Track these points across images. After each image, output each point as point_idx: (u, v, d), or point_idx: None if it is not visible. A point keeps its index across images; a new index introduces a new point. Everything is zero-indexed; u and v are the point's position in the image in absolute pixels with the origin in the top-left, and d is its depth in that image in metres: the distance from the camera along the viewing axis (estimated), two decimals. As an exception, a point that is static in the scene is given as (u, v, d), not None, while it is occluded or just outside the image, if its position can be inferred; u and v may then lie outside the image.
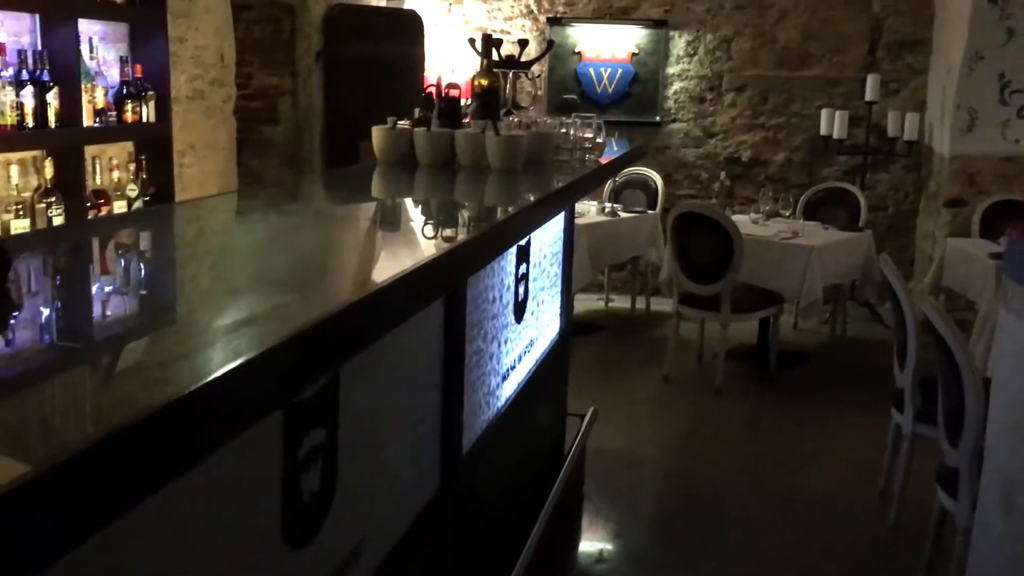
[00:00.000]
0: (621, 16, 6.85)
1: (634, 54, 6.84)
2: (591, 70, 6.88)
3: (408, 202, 2.47)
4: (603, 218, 5.85)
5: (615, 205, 6.07)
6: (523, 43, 3.46)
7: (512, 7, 7.00)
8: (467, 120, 2.89)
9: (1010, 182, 6.12)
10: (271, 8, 5.69)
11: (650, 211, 6.28)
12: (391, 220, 2.18)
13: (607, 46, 6.85)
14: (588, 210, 5.88)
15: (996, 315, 4.72)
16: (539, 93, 4.63)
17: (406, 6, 6.77)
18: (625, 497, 3.91)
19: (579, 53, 6.88)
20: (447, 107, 2.82)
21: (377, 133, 2.74)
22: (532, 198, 2.33)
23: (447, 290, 2.01)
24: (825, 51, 6.71)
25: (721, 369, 4.98)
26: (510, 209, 2.18)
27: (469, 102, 3.10)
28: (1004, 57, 5.70)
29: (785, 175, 6.89)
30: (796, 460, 4.28)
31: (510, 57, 3.45)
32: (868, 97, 6.44)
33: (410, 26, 6.50)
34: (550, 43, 4.03)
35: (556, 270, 3.46)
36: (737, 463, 4.26)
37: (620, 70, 6.86)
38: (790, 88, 6.79)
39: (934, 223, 6.43)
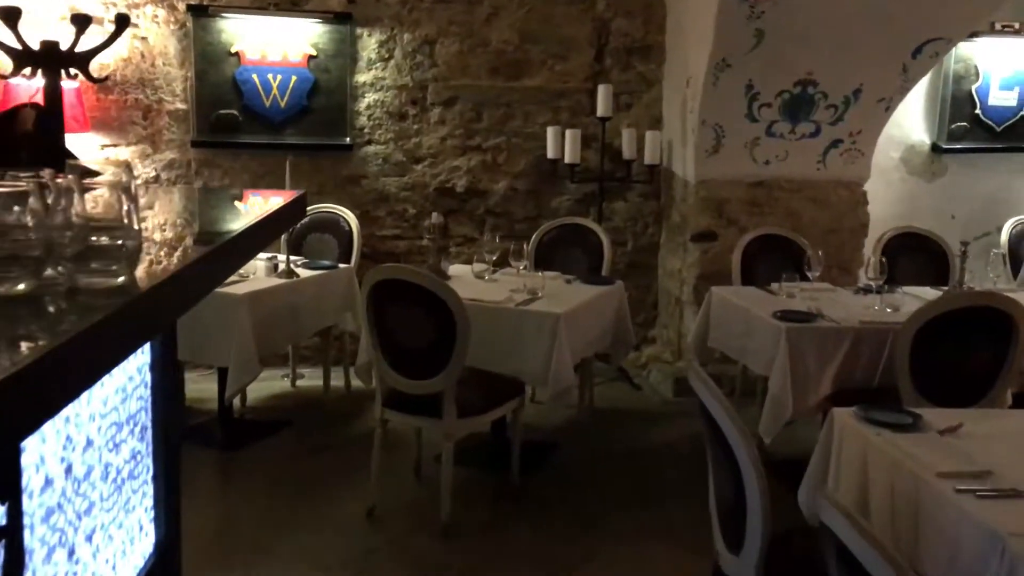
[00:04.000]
0: (290, 7, 5.25)
1: (312, 56, 5.27)
2: (255, 76, 5.21)
3: None
4: (276, 281, 4.22)
5: (294, 260, 4.46)
6: (81, 20, 1.81)
7: (141, -9, 5.16)
8: None
9: (760, 210, 5.26)
10: None
11: (342, 265, 4.73)
12: None
13: (275, 45, 5.22)
14: (255, 270, 4.23)
15: (787, 394, 3.69)
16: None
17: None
18: None
19: (237, 54, 5.19)
20: None
21: None
22: None
23: None
24: (547, 56, 5.53)
25: (448, 494, 3.53)
26: None
27: None
28: (751, 64, 4.79)
29: (509, 207, 5.63)
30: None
31: (51, 47, 1.81)
32: (600, 112, 5.34)
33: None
34: (120, 20, 2.34)
35: (139, 447, 1.83)
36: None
37: (295, 77, 5.26)
38: (508, 101, 5.54)
39: (680, 260, 5.45)
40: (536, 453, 4.20)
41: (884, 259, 3.94)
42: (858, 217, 5.32)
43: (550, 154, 5.39)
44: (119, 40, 5.07)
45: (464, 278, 4.29)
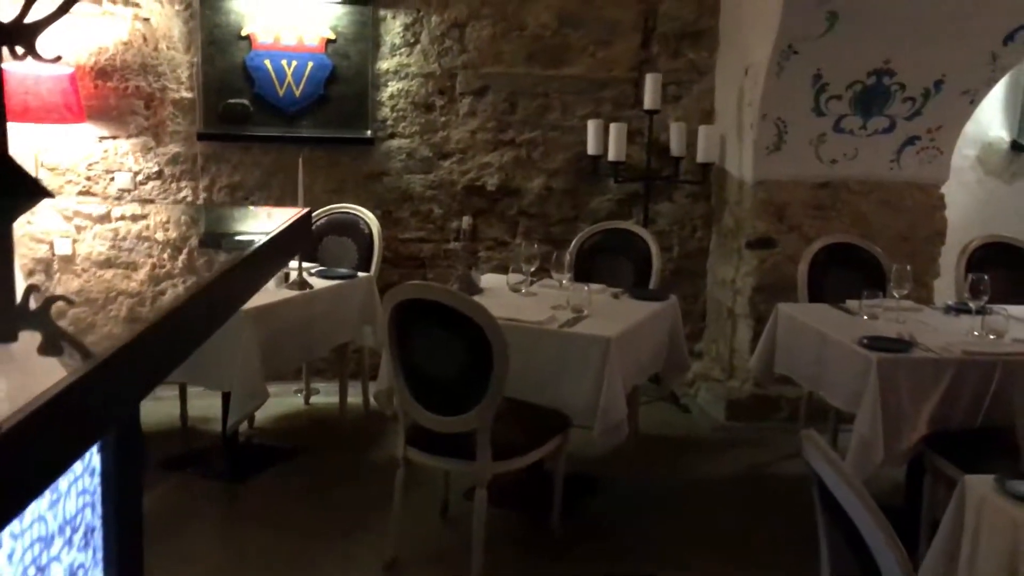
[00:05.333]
0: (308, -15, 4.76)
1: (330, 41, 4.78)
2: (268, 63, 4.73)
3: None
4: (287, 293, 3.74)
5: (307, 268, 3.98)
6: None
7: (143, -32, 4.69)
8: None
9: (825, 215, 4.73)
10: None
11: (361, 273, 4.25)
12: None
13: (290, 28, 4.73)
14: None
15: (878, 436, 3.18)
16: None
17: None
18: None
19: (248, 38, 4.70)
20: None
21: None
22: None
23: None
24: (588, 42, 5.01)
25: (480, 546, 3.05)
26: None
27: None
28: (822, 51, 4.25)
29: (544, 208, 5.13)
30: None
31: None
32: (647, 105, 4.81)
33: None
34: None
35: (81, 559, 1.36)
36: None
37: (311, 63, 4.77)
38: (546, 91, 5.03)
39: (733, 268, 4.93)
40: (577, 489, 3.71)
41: (985, 276, 3.40)
42: (934, 224, 4.78)
43: (590, 150, 4.88)
44: (119, 23, 4.61)
45: (498, 291, 3.80)
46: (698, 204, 5.22)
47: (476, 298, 3.57)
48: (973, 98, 4.51)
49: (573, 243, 4.47)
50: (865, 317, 3.55)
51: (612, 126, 4.79)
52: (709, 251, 5.28)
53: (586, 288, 3.70)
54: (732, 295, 4.96)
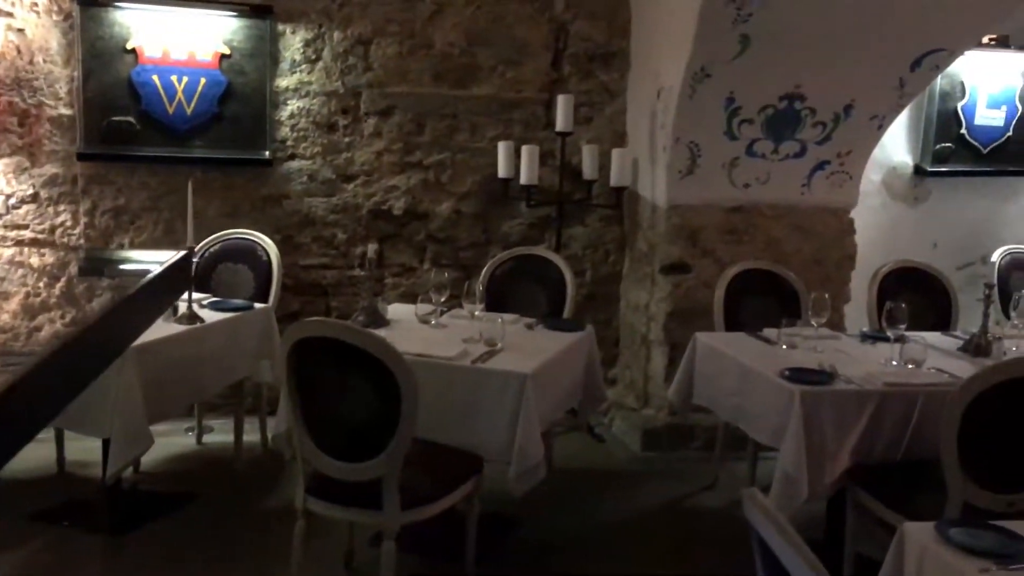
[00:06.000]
0: (200, -4, 4.47)
1: (224, 56, 4.50)
2: (156, 78, 4.41)
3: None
4: (175, 328, 3.44)
5: (198, 300, 3.69)
6: None
7: (17, -26, 4.33)
8: None
9: (738, 239, 4.67)
10: None
11: (258, 305, 3.97)
12: None
13: (181, 42, 4.43)
14: (148, 313, 3.44)
15: (803, 471, 3.08)
16: None
17: None
18: None
19: (135, 51, 4.38)
20: None
21: None
22: None
23: None
24: (498, 62, 4.86)
25: (388, 604, 2.81)
26: None
27: None
28: (734, 75, 4.19)
29: (453, 233, 4.93)
30: None
31: None
32: (559, 127, 4.68)
33: None
34: None
35: None
36: None
37: (204, 79, 4.47)
38: (454, 112, 4.85)
39: (647, 293, 4.83)
40: (493, 529, 3.51)
41: (903, 305, 3.36)
42: (845, 248, 4.77)
43: (501, 173, 4.72)
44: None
45: (406, 323, 3.59)
46: (611, 228, 5.12)
47: (382, 331, 3.38)
48: (881, 123, 4.52)
49: (484, 270, 4.29)
50: (784, 346, 3.47)
51: (523, 148, 4.64)
52: (622, 276, 5.17)
53: (499, 319, 3.52)
54: (646, 321, 4.85)
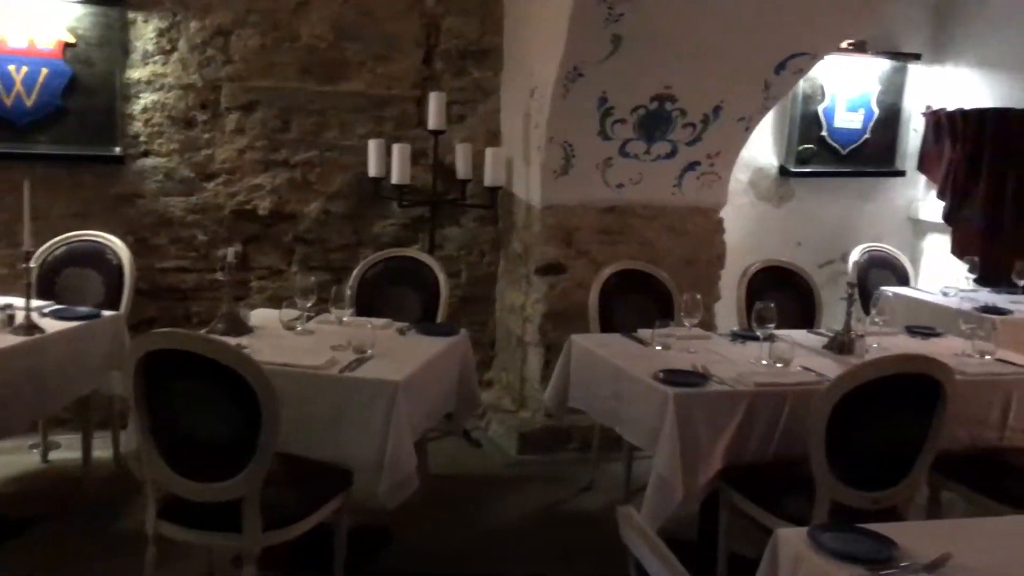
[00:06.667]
0: (39, -21, 4.14)
1: (69, 44, 4.18)
2: (-10, 67, 4.06)
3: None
4: (12, 339, 3.14)
5: (39, 308, 3.39)
6: None
7: None
8: None
9: (612, 239, 4.67)
10: None
11: (107, 312, 3.68)
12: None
13: (18, 29, 4.09)
14: (-19, 324, 3.14)
15: (677, 474, 3.06)
16: None
17: None
18: None
19: (-35, 37, 4.03)
20: None
21: None
22: None
23: None
24: (367, 57, 4.70)
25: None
26: None
27: None
28: (607, 75, 4.18)
29: (323, 234, 4.75)
30: None
31: None
32: (432, 125, 4.57)
33: None
34: None
35: None
36: None
37: (45, 69, 4.14)
38: (322, 108, 4.66)
39: (523, 295, 4.78)
40: (363, 542, 3.37)
41: (771, 305, 3.40)
42: (715, 247, 4.85)
43: (372, 172, 4.57)
44: None
45: (270, 330, 3.40)
46: (486, 228, 5.04)
47: (244, 339, 3.19)
48: (748, 125, 4.60)
49: (355, 273, 4.13)
50: (658, 347, 3.46)
51: (395, 147, 4.50)
52: (498, 277, 5.10)
53: (369, 324, 3.38)
54: (522, 322, 4.80)
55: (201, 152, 4.49)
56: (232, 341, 3.06)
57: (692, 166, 4.66)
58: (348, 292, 3.55)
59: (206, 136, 4.50)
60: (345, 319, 3.45)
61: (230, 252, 3.25)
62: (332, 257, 4.76)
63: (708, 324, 4.48)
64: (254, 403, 2.50)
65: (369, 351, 3.13)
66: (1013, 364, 3.42)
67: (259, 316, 3.59)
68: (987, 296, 4.81)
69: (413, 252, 4.36)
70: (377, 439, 2.87)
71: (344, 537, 3.02)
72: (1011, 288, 4.82)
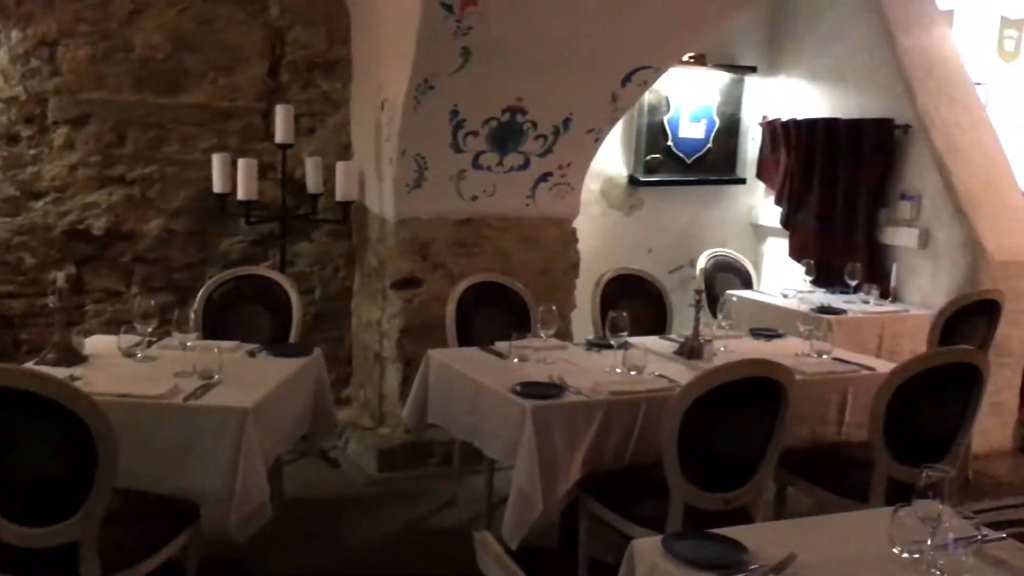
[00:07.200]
0: None
1: None
2: None
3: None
4: None
5: None
6: None
7: None
8: None
9: (468, 252, 4.66)
10: None
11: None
12: None
13: None
14: None
15: (536, 487, 3.07)
16: None
17: None
18: None
19: None
20: None
21: None
22: None
23: None
24: (208, 68, 4.53)
25: None
26: None
27: None
28: (457, 87, 4.17)
29: (165, 253, 4.54)
30: None
31: None
32: (279, 138, 4.44)
33: None
34: None
35: None
36: None
37: None
38: (160, 122, 4.46)
39: (379, 310, 4.71)
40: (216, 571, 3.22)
41: (624, 314, 3.47)
42: (569, 257, 4.91)
43: (217, 187, 4.40)
44: None
45: (107, 357, 3.21)
46: (340, 243, 4.94)
47: (78, 369, 3.00)
48: (598, 136, 4.68)
49: (200, 293, 3.95)
50: (516, 360, 3.47)
51: (240, 161, 4.35)
52: (353, 292, 5.01)
53: (216, 348, 3.23)
54: (379, 338, 4.72)
55: (27, 169, 4.21)
56: (63, 372, 2.88)
57: (544, 177, 4.71)
58: (193, 314, 3.39)
59: (32, 152, 4.22)
60: (190, 343, 3.29)
61: (60, 276, 3.04)
62: (176, 277, 4.55)
63: (565, 333, 4.54)
64: (87, 439, 2.34)
65: (216, 376, 3.00)
66: (848, 362, 3.61)
67: (95, 343, 3.38)
68: (823, 296, 5.08)
69: (263, 270, 4.22)
70: (226, 469, 2.75)
71: (194, 573, 2.87)
72: (844, 288, 5.10)
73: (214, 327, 3.78)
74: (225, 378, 3.00)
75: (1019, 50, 7.02)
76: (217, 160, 4.38)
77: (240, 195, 4.33)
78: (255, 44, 4.59)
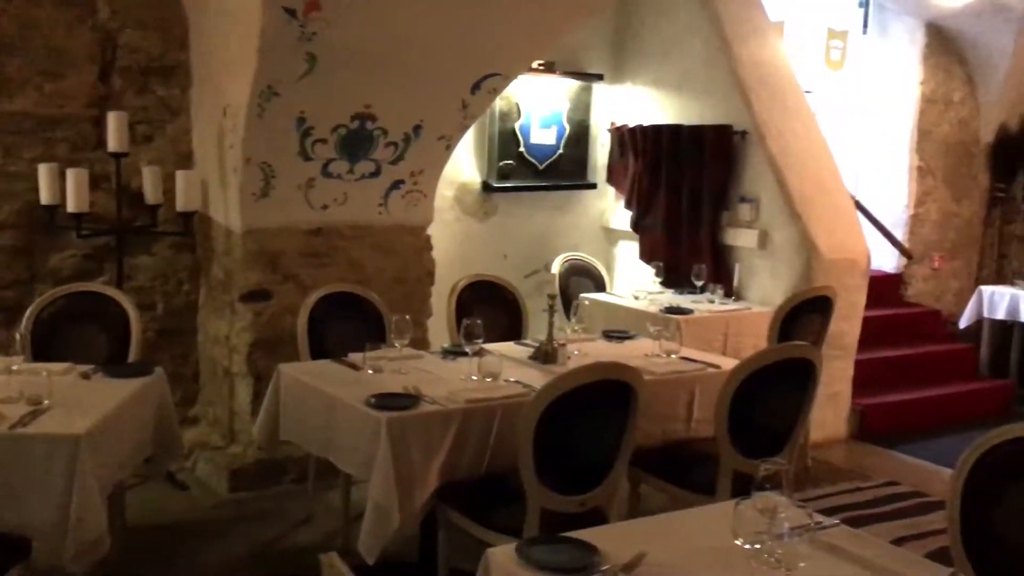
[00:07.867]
0: None
1: None
2: None
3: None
4: None
5: None
6: None
7: None
8: None
9: (320, 262, 4.57)
10: None
11: None
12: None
13: None
14: None
15: (393, 500, 3.01)
16: None
17: None
18: None
19: None
20: None
21: None
22: None
23: None
24: (33, 73, 4.25)
25: None
26: None
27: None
28: (304, 93, 4.07)
29: (-13, 270, 4.22)
30: None
31: None
32: (112, 147, 4.21)
33: None
34: None
35: None
36: None
37: None
38: (-20, 129, 4.15)
39: (227, 324, 4.54)
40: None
41: (479, 321, 3.47)
42: (424, 264, 4.88)
43: (44, 199, 4.13)
44: None
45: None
46: (183, 255, 4.73)
47: None
48: (449, 143, 4.67)
49: (27, 313, 3.69)
50: (370, 371, 3.40)
51: (69, 171, 4.10)
52: (199, 306, 4.81)
53: (46, 371, 3.02)
54: (228, 353, 4.55)
55: None
56: None
57: (396, 185, 4.66)
58: (19, 335, 3.17)
59: None
60: (16, 367, 3.06)
61: None
62: (1, 296, 4.24)
63: (421, 342, 4.50)
64: None
65: (46, 401, 2.81)
66: (695, 361, 3.73)
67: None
68: (672, 297, 5.25)
69: (97, 286, 3.98)
70: (58, 500, 2.58)
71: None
72: (692, 289, 5.28)
73: (44, 348, 3.54)
74: (56, 403, 2.81)
75: (844, 59, 7.49)
76: (44, 170, 4.11)
77: (70, 207, 4.08)
78: (83, 49, 4.34)
